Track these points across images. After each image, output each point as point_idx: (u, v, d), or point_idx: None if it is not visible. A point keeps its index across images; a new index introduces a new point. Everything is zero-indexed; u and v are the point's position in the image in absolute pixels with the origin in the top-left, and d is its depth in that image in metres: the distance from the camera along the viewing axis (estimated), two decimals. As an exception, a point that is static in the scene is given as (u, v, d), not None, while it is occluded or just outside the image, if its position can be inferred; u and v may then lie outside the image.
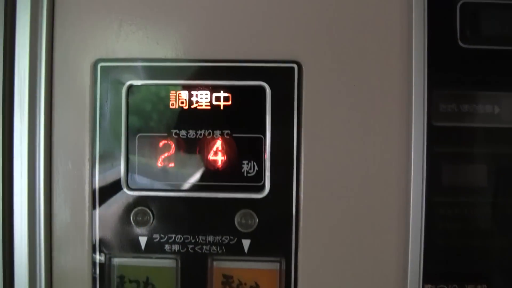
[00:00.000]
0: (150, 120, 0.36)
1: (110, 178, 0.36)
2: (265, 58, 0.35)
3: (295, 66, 0.35)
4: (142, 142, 0.36)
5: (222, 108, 0.35)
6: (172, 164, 0.36)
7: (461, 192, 0.34)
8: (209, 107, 0.35)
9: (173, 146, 0.36)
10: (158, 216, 0.35)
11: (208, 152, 0.36)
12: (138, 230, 0.35)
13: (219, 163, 0.35)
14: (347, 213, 0.35)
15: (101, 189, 0.36)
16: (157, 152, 0.36)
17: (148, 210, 0.35)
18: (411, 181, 0.34)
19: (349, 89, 0.35)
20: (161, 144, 0.36)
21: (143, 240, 0.35)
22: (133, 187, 0.36)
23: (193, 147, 0.36)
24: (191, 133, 0.36)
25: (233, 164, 0.35)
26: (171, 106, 0.35)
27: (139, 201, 0.35)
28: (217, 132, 0.35)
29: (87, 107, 0.35)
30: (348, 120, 0.35)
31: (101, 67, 0.35)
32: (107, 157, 0.36)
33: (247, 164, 0.35)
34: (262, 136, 0.35)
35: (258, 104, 0.35)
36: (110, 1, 0.36)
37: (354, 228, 0.35)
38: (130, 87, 0.35)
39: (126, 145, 0.35)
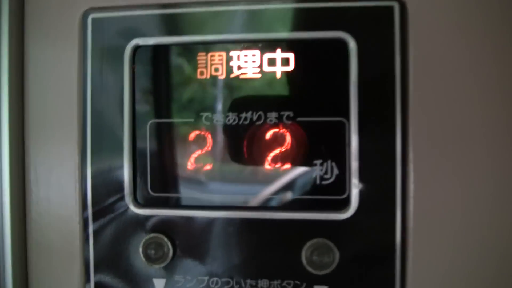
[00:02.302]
0: (168, 100, 0.26)
1: (108, 188, 0.26)
2: None
3: (396, 4, 0.24)
4: (156, 133, 0.26)
5: (279, 77, 0.25)
6: (196, 167, 0.26)
7: None
8: (258, 75, 0.25)
9: (198, 138, 0.26)
10: (182, 248, 0.26)
11: (259, 148, 0.26)
12: (151, 269, 0.26)
13: (276, 165, 0.26)
14: (474, 241, 0.24)
15: (95, 204, 0.26)
16: (176, 147, 0.26)
17: (167, 239, 0.26)
18: None
19: (485, 39, 0.24)
20: (180, 134, 0.26)
21: (159, 284, 0.26)
22: (143, 202, 0.27)
23: (234, 140, 0.26)
24: (232, 117, 0.26)
25: (298, 166, 0.26)
26: (199, 76, 0.26)
27: (152, 224, 0.26)
28: (272, 115, 0.25)
29: (74, 82, 0.27)
30: (483, 93, 0.24)
31: (93, 19, 0.27)
32: (104, 155, 0.26)
33: (321, 165, 0.25)
34: (344, 120, 0.25)
35: (337, 69, 0.25)
36: None
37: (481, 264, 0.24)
38: (137, 48, 0.26)
39: (131, 138, 0.26)
